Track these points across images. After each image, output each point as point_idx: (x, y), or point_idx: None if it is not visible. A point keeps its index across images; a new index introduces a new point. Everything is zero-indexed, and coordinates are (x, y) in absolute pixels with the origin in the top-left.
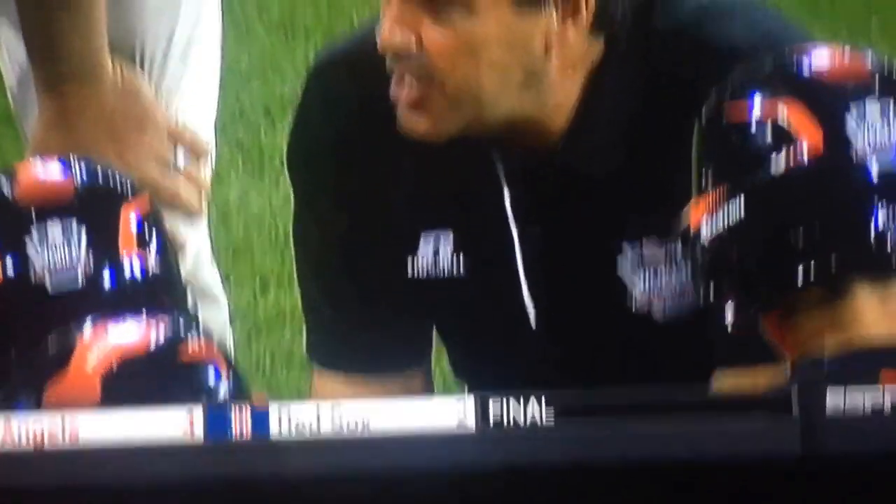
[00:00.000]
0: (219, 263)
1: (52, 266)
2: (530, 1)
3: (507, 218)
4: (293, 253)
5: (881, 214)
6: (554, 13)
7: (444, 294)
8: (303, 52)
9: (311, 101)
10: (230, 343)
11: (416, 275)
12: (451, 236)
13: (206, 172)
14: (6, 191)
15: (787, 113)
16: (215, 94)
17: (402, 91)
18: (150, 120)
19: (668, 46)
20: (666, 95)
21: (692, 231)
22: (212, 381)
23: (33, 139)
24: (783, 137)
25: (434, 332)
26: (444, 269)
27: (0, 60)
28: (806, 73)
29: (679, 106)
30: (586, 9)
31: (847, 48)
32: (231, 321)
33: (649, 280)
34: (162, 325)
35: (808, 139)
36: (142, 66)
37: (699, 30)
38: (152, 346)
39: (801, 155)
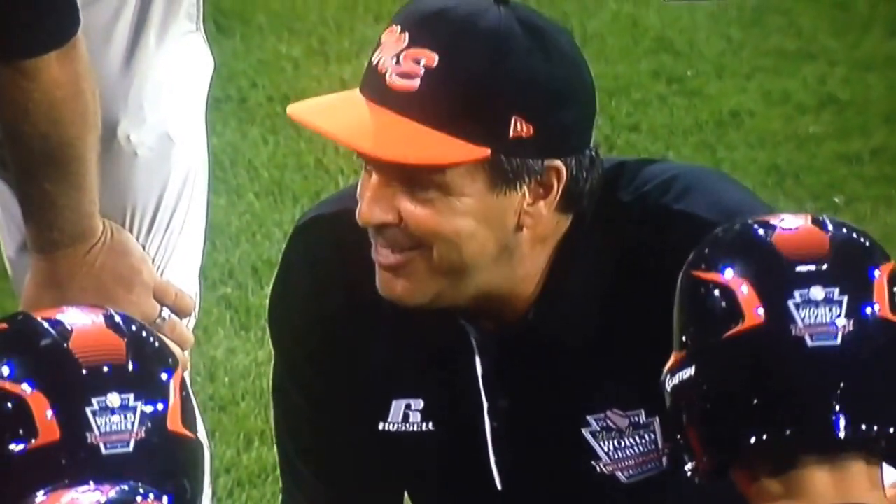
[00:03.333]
0: (203, 419)
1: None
2: (505, 182)
3: (478, 389)
4: (272, 410)
5: (820, 394)
6: (527, 192)
7: (413, 456)
8: (290, 215)
9: (292, 262)
10: (210, 496)
11: (386, 439)
12: (422, 404)
13: (190, 328)
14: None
15: (738, 289)
16: (201, 253)
17: (382, 256)
18: (137, 278)
19: (633, 219)
20: (631, 266)
21: (666, 374)
22: None
23: (25, 298)
24: (731, 313)
25: (405, 495)
26: (413, 434)
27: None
28: (762, 252)
29: (643, 276)
30: (557, 188)
31: (810, 220)
32: (214, 476)
33: (613, 449)
34: (123, 487)
35: (752, 318)
36: (131, 228)
37: (663, 202)
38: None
39: (744, 331)
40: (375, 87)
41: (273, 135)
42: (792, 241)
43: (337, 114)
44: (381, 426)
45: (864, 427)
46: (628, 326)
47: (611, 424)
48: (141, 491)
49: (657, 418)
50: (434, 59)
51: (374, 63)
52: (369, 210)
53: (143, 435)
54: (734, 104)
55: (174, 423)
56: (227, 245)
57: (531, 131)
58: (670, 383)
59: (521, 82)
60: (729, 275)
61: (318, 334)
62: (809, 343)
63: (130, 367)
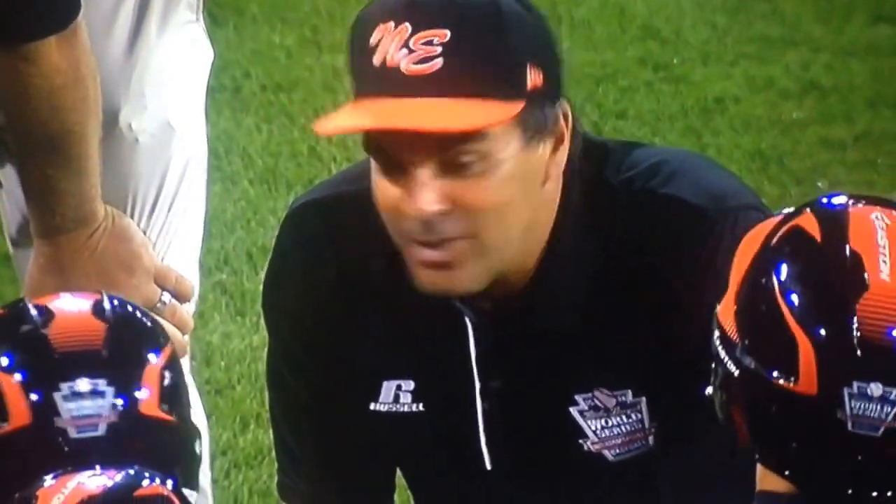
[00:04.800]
0: (201, 402)
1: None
2: (533, 136)
3: (470, 369)
4: (267, 394)
5: (843, 469)
6: (547, 143)
7: (403, 437)
8: (284, 202)
9: (284, 246)
10: (208, 478)
11: (377, 419)
12: (413, 385)
13: (190, 313)
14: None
15: (802, 347)
16: (200, 239)
17: (426, 255)
18: (138, 263)
19: (620, 203)
20: (618, 249)
21: (717, 329)
22: None
23: (28, 282)
24: (788, 365)
25: (398, 474)
26: (403, 415)
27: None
28: (839, 317)
29: (631, 259)
30: (567, 132)
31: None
32: (212, 458)
33: (600, 428)
34: (127, 471)
35: (805, 385)
36: (132, 214)
37: (650, 186)
38: (110, 489)
39: (793, 392)
40: (391, 83)
41: (267, 123)
42: (877, 310)
43: (369, 113)
44: (372, 406)
45: (889, 494)
46: (616, 308)
47: (598, 403)
48: (146, 475)
49: (644, 398)
50: (445, 34)
51: (378, 64)
52: (425, 202)
53: (115, 419)
54: (719, 90)
55: (149, 408)
56: (222, 232)
57: (542, 80)
58: (716, 347)
59: (525, 33)
60: (798, 325)
61: (311, 317)
62: (849, 428)
63: (105, 352)
